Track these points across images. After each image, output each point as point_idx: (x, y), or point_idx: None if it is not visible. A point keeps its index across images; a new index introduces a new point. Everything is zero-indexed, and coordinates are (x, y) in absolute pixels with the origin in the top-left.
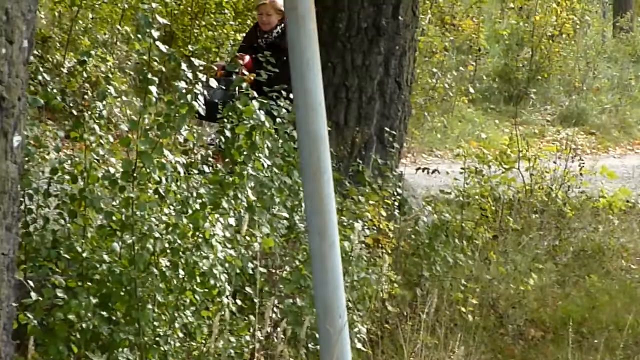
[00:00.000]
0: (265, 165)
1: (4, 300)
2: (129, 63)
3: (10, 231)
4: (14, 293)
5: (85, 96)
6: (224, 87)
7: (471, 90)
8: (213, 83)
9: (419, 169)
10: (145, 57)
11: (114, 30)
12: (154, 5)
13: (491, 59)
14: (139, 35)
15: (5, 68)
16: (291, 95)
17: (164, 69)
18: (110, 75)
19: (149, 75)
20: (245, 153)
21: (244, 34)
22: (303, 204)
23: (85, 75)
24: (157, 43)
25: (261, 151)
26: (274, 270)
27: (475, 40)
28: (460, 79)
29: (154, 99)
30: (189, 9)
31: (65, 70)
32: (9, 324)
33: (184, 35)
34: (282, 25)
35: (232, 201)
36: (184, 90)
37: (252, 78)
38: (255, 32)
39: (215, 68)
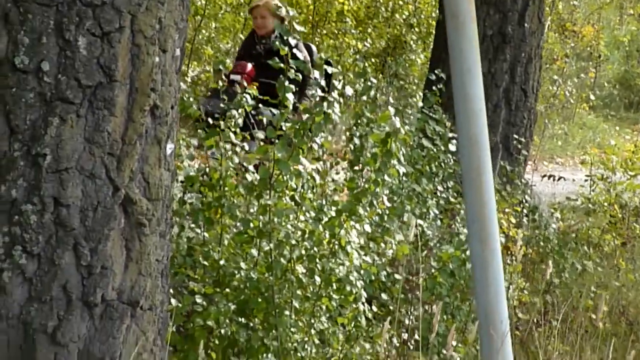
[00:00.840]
0: (401, 173)
1: (158, 306)
2: None
3: (164, 238)
4: (166, 299)
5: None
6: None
7: (592, 97)
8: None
9: (544, 176)
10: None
11: (236, 40)
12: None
13: (611, 66)
14: (277, 43)
15: (158, 77)
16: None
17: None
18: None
19: (286, 83)
20: (379, 160)
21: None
22: (431, 212)
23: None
24: (295, 50)
25: (396, 158)
26: (409, 277)
27: (595, 47)
28: (580, 86)
29: (290, 107)
30: (310, 17)
31: (189, 80)
32: (163, 330)
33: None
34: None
35: (367, 208)
36: (318, 98)
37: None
38: (253, 39)
39: (215, 78)
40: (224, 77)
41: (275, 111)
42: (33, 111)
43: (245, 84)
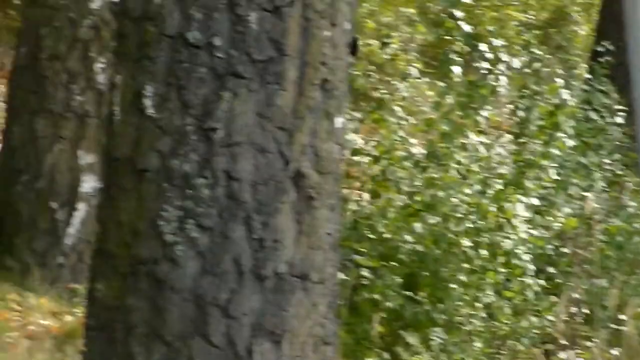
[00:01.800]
0: (568, 145)
1: (328, 279)
2: (413, 45)
3: (333, 211)
4: (336, 272)
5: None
6: None
7: None
8: None
9: None
10: (447, 37)
11: (398, 13)
12: None
13: None
14: (443, 15)
15: (328, 50)
16: None
17: (462, 50)
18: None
19: (451, 56)
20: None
21: None
22: (595, 185)
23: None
24: (460, 23)
25: (563, 131)
26: (576, 250)
27: None
28: None
29: (456, 80)
30: None
31: None
32: (334, 303)
33: (468, 17)
34: None
35: (534, 181)
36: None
37: None
38: None
39: None
40: None
41: None
42: (205, 86)
43: None
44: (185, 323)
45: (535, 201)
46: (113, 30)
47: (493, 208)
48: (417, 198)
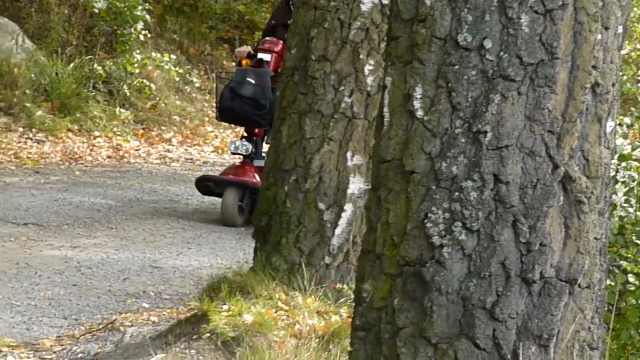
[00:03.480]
0: None
1: (596, 284)
2: None
3: (602, 216)
4: (604, 277)
5: None
6: (253, 81)
7: None
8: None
9: None
10: None
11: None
12: None
13: None
14: None
15: (600, 54)
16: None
17: None
18: None
19: None
20: None
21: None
22: None
23: None
24: None
25: None
26: None
27: None
28: None
29: None
30: None
31: None
32: (601, 308)
33: None
34: None
35: None
36: None
37: None
38: (288, 7)
39: (239, 56)
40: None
41: None
42: (474, 88)
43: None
44: (451, 325)
45: None
46: (382, 32)
47: None
48: None
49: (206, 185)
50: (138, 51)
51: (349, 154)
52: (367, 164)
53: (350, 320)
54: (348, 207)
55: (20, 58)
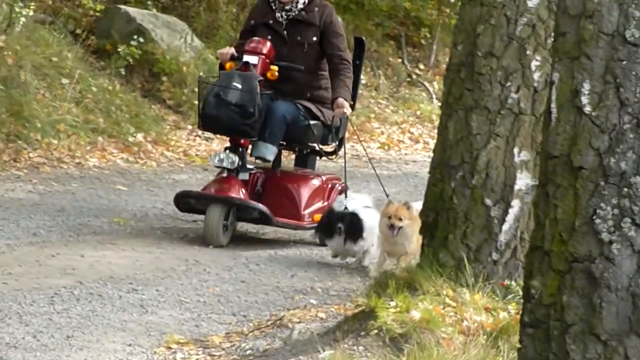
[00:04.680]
0: None
1: None
2: None
3: None
4: None
5: None
6: (240, 86)
7: None
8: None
9: None
10: None
11: None
12: None
13: None
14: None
15: None
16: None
17: None
18: None
19: None
20: None
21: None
22: None
23: None
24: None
25: None
26: None
27: None
28: None
29: None
30: None
31: None
32: None
33: None
34: None
35: None
36: None
37: (276, 72)
38: (269, 5)
39: (221, 58)
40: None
41: (290, 105)
42: None
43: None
44: (621, 322)
45: None
46: (549, 28)
47: None
48: None
49: (187, 202)
50: None
51: (515, 150)
52: (534, 160)
53: (518, 317)
54: (515, 203)
55: (189, 56)
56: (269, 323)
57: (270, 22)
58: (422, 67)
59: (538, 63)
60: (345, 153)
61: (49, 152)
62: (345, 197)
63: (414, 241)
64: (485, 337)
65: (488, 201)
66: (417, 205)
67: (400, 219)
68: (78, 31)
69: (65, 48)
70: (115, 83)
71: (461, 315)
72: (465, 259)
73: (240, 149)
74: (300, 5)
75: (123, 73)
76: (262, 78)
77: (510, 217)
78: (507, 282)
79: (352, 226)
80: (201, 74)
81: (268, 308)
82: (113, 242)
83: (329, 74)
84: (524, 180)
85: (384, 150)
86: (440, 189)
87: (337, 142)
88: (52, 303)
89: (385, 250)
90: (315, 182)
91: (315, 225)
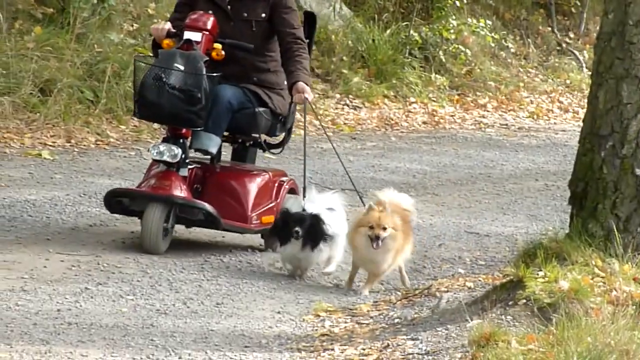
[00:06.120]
0: None
1: None
2: None
3: None
4: None
5: None
6: (182, 67)
7: None
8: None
9: None
10: None
11: None
12: None
13: None
14: None
15: None
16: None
17: None
18: None
19: None
20: None
21: None
22: None
23: None
24: None
25: None
26: None
27: None
28: None
29: None
30: None
31: None
32: None
33: None
34: None
35: None
36: None
37: (222, 51)
38: None
39: (156, 35)
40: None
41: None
42: None
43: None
44: None
45: None
46: None
47: None
48: None
49: (119, 201)
50: (454, 17)
51: None
52: None
53: None
54: None
55: (338, 25)
56: (417, 292)
57: None
58: (572, 35)
59: None
60: (305, 145)
61: None
62: (304, 197)
63: (391, 257)
64: (634, 307)
65: (638, 171)
66: (399, 199)
67: (385, 229)
68: None
69: None
70: None
71: (610, 285)
72: (615, 229)
73: (182, 140)
74: None
75: None
76: (207, 58)
77: None
78: None
79: (313, 230)
80: (138, 54)
81: (416, 277)
82: None
83: (281, 55)
84: None
85: (533, 119)
86: (590, 158)
87: (284, 134)
88: (202, 270)
89: (357, 265)
90: (261, 179)
91: (264, 228)
